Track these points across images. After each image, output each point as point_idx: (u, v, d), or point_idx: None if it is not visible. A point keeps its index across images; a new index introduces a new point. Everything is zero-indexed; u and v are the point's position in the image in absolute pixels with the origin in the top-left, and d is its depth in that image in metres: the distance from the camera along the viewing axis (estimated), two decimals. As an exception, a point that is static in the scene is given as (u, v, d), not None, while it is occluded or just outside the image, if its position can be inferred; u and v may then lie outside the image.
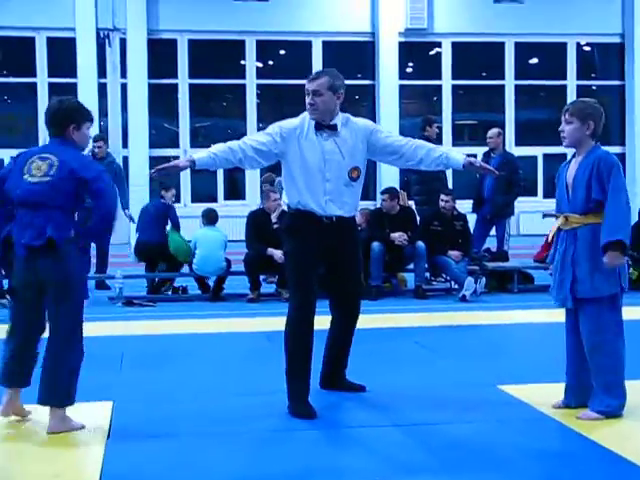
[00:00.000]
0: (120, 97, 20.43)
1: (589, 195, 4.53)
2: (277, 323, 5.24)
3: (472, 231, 10.70)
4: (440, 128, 18.53)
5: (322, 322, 5.06)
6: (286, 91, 20.68)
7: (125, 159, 19.46)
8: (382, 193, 10.51)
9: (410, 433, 4.45)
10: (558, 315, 4.92)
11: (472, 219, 10.92)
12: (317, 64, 20.60)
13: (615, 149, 20.59)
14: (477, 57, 21.93)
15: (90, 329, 4.88)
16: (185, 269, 10.49)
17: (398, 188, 11.21)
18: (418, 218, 10.51)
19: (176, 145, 21.02)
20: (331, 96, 4.87)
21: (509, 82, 22.13)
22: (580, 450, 4.14)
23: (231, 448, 4.19)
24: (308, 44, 21.19)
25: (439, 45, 21.84)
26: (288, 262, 5.03)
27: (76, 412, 4.48)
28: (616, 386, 4.58)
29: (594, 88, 22.52)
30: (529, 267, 10.90)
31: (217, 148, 4.81)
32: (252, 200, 19.08)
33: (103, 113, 20.21)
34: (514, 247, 11.75)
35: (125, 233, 15.86)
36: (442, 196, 10.23)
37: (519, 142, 21.66)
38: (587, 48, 22.52)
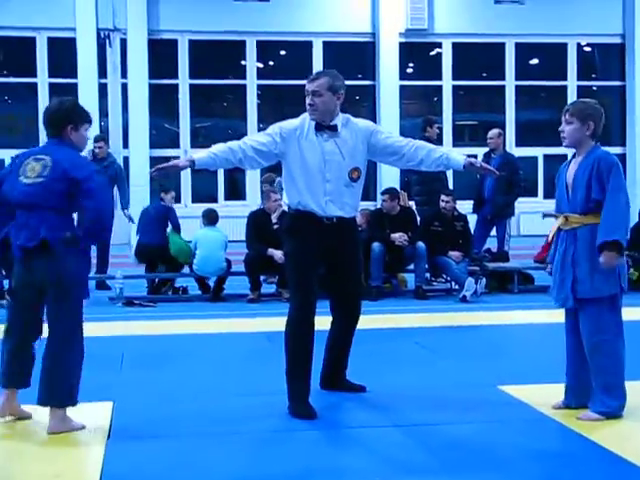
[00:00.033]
0: (121, 97, 20.43)
1: (589, 195, 4.53)
2: (277, 323, 5.24)
3: (472, 232, 10.70)
4: (440, 129, 18.53)
5: (322, 322, 5.06)
6: (286, 91, 20.67)
7: (126, 159, 19.46)
8: (382, 194, 10.51)
9: (410, 433, 4.45)
10: (558, 316, 4.93)
11: (472, 220, 10.92)
12: (317, 64, 20.59)
13: (616, 150, 20.57)
14: (477, 58, 21.92)
15: (90, 329, 4.88)
16: (185, 269, 10.49)
17: (398, 189, 11.22)
18: (418, 218, 10.52)
19: (177, 145, 21.01)
20: (331, 97, 4.87)
21: (509, 83, 22.13)
22: (580, 451, 4.14)
23: (231, 448, 4.19)
24: (308, 44, 21.19)
25: (439, 46, 21.83)
26: (288, 262, 5.02)
27: (76, 412, 4.48)
28: (616, 387, 4.58)
29: (595, 89, 22.52)
30: (529, 268, 10.91)
31: (217, 148, 4.81)
32: (252, 200, 19.07)
33: (103, 113, 20.21)
34: (514, 248, 11.75)
35: (125, 233, 15.85)
36: (442, 197, 10.23)
37: (519, 143, 21.65)
38: (588, 49, 22.51)
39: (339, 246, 4.97)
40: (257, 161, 4.90)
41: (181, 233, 10.57)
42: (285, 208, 5.35)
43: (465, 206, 11.11)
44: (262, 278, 10.25)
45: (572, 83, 22.18)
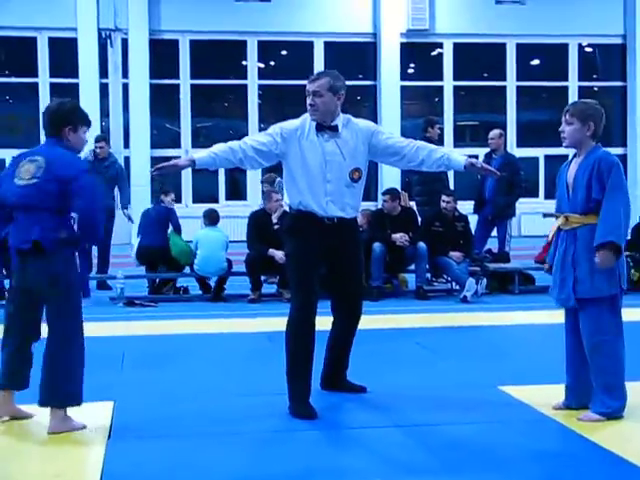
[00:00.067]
0: (122, 97, 20.44)
1: (589, 195, 4.53)
2: (278, 324, 5.24)
3: (473, 232, 10.70)
4: (441, 129, 18.54)
5: (323, 323, 5.07)
6: (287, 92, 20.67)
7: (127, 159, 19.48)
8: (383, 194, 10.51)
9: (411, 434, 4.45)
10: (559, 316, 4.92)
11: (473, 220, 10.92)
12: (319, 65, 20.61)
13: (617, 150, 20.58)
14: (479, 58, 21.93)
15: (91, 329, 4.88)
16: (186, 269, 10.49)
17: (399, 189, 11.21)
18: (419, 219, 10.52)
19: (177, 145, 21.03)
20: (331, 97, 4.87)
21: (511, 83, 22.14)
22: (581, 451, 4.14)
23: (232, 448, 4.19)
24: (310, 45, 21.20)
25: (441, 46, 21.84)
26: (289, 263, 5.03)
27: (77, 412, 4.48)
28: (616, 387, 4.58)
29: (596, 89, 22.52)
30: (530, 268, 10.90)
31: (217, 148, 4.82)
32: (253, 201, 19.09)
33: (105, 113, 20.23)
34: (515, 248, 11.75)
35: (126, 233, 15.84)
36: (443, 197, 10.23)
37: (520, 143, 21.66)
38: (589, 49, 22.51)
39: (340, 246, 4.97)
40: (257, 161, 4.90)
41: (182, 234, 10.58)
42: (286, 208, 5.35)
43: (466, 206, 11.11)
44: (263, 278, 10.24)
45: (573, 84, 22.19)
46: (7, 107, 21.45)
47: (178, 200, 14.56)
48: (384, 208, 10.32)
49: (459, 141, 21.75)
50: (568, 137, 4.66)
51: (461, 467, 3.89)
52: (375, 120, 18.47)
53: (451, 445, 4.22)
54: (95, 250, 10.77)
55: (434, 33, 21.41)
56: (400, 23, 20.97)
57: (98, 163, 10.78)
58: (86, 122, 4.63)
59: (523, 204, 14.09)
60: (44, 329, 4.53)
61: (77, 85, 19.77)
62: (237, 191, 21.29)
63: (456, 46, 21.67)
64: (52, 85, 20.36)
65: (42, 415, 4.50)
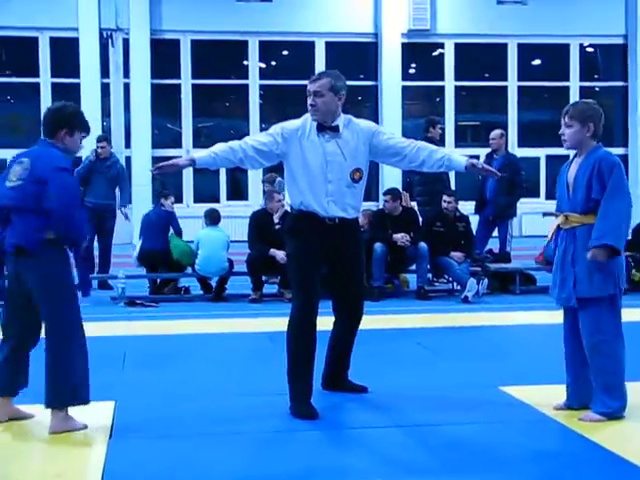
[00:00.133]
0: (123, 97, 20.45)
1: (589, 195, 4.53)
2: (279, 324, 5.24)
3: (474, 232, 10.70)
4: (443, 129, 18.54)
5: (325, 323, 5.07)
6: (289, 92, 20.68)
7: (128, 159, 19.47)
8: (384, 194, 10.51)
9: (412, 434, 4.45)
10: (560, 316, 4.92)
11: (474, 220, 10.92)
12: (320, 65, 20.60)
13: (618, 150, 20.57)
14: (480, 58, 21.93)
15: (92, 329, 4.89)
16: (188, 269, 10.49)
17: (400, 189, 11.21)
18: (420, 219, 10.52)
19: (179, 145, 21.03)
20: (332, 97, 4.87)
21: (512, 83, 22.13)
22: (581, 451, 4.14)
23: (233, 448, 4.20)
24: (311, 45, 21.20)
25: (442, 46, 21.84)
26: (291, 263, 5.03)
27: (78, 412, 4.49)
28: (616, 387, 4.58)
29: (597, 89, 22.52)
30: (531, 268, 10.88)
31: (218, 147, 4.82)
32: (255, 200, 19.09)
33: (106, 113, 20.23)
34: (516, 248, 11.74)
35: (128, 233, 15.86)
36: (445, 197, 10.23)
37: (522, 143, 21.66)
38: (590, 49, 22.50)
39: (341, 246, 4.97)
40: (258, 161, 4.91)
41: (182, 236, 10.59)
42: (288, 208, 5.36)
43: (467, 207, 11.11)
44: (264, 278, 10.24)
45: (574, 84, 22.18)
46: (8, 107, 21.47)
47: (179, 200, 14.56)
48: (385, 208, 10.32)
49: (460, 141, 21.75)
50: (569, 139, 4.66)
51: (462, 467, 3.90)
52: (376, 120, 18.47)
53: (452, 445, 4.22)
54: (96, 250, 10.79)
55: (435, 33, 21.40)
56: (401, 23, 20.96)
57: (100, 163, 10.80)
58: (85, 128, 4.61)
59: (524, 204, 14.07)
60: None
61: (78, 85, 19.77)
62: (238, 191, 21.29)
63: (457, 46, 21.67)
64: (53, 85, 20.36)
65: (43, 415, 4.50)
